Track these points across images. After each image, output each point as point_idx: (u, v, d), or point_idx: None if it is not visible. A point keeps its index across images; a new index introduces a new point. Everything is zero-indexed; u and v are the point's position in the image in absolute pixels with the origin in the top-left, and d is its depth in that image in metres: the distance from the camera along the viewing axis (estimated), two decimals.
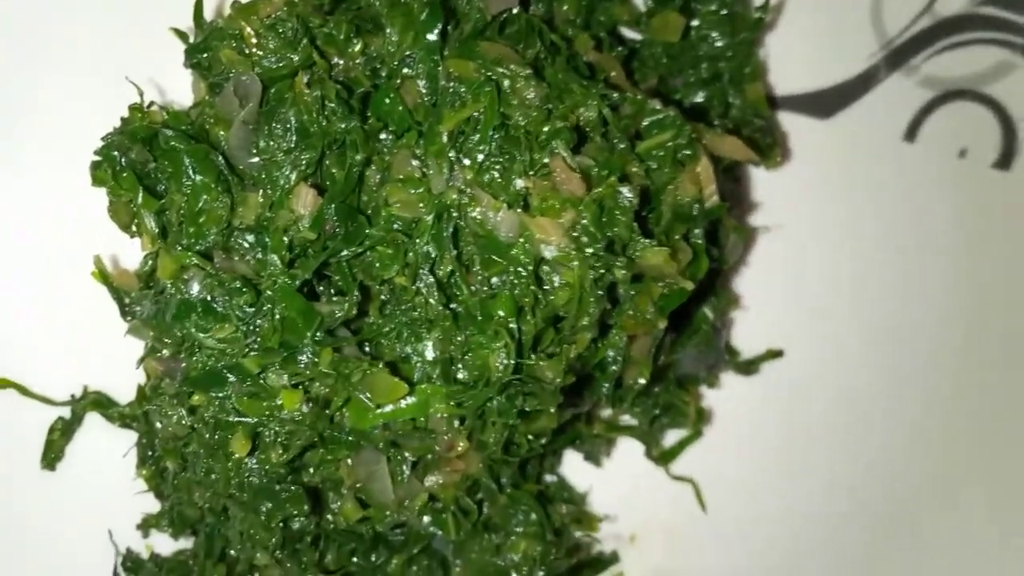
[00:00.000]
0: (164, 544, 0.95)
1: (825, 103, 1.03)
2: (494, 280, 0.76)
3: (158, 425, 0.80)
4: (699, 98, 0.96)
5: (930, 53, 1.03)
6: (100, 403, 0.95)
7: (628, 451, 1.01)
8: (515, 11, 0.84)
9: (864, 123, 1.02)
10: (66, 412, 0.96)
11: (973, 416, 1.04)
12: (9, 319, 0.95)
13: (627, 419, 0.96)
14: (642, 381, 0.82)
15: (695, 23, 0.94)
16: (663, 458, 0.99)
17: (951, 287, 1.03)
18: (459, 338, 0.76)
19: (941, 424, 1.04)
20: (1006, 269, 1.03)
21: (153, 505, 0.94)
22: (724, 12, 0.93)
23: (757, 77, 0.95)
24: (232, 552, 0.89)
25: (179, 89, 0.91)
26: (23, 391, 0.95)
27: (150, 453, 0.90)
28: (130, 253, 0.89)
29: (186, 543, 0.95)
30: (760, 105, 0.94)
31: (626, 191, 0.73)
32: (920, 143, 1.03)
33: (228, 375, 0.75)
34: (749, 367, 1.00)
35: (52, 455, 0.96)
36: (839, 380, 1.03)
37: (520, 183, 0.75)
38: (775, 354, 1.01)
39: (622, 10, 0.93)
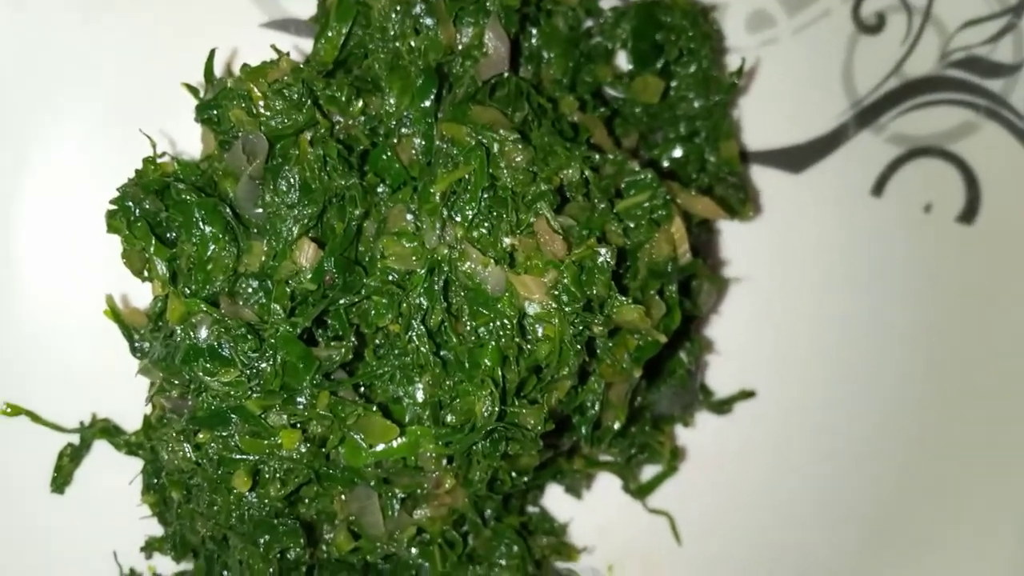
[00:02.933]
0: (166, 565, 1.01)
1: (797, 158, 1.09)
2: (481, 330, 0.81)
3: (164, 458, 0.85)
4: (677, 153, 1.02)
5: (898, 112, 1.09)
6: (107, 431, 1.00)
7: (607, 484, 1.06)
8: (505, 75, 0.91)
9: (834, 177, 1.08)
10: (75, 439, 1.01)
11: (935, 455, 1.10)
12: (25, 351, 1.01)
13: (605, 455, 1.01)
14: (617, 425, 0.88)
15: (674, 84, 1.00)
16: (640, 492, 1.05)
17: (914, 333, 1.09)
18: (448, 383, 0.81)
19: (904, 460, 1.10)
20: (967, 318, 1.09)
21: (156, 528, 0.99)
22: (701, 75, 0.99)
23: (731, 136, 1.01)
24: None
25: (189, 137, 0.97)
26: (35, 418, 1.00)
27: (155, 481, 0.95)
28: (140, 292, 0.95)
29: (186, 565, 1.00)
30: (733, 163, 1.00)
31: (604, 252, 0.79)
32: (887, 197, 1.09)
33: (232, 415, 0.80)
34: (722, 407, 1.06)
35: (61, 479, 1.01)
36: (808, 419, 1.09)
37: (507, 241, 0.81)
38: (747, 395, 1.07)
39: (606, 71, 0.99)
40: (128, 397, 0.97)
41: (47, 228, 1.00)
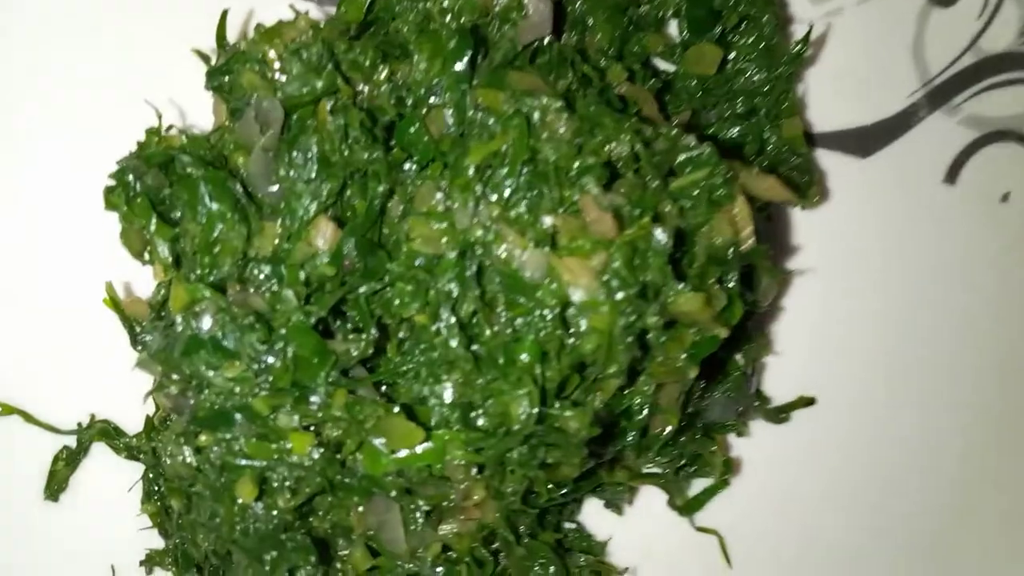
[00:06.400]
0: None
1: (863, 141, 0.99)
2: (518, 321, 0.72)
3: (165, 462, 0.77)
4: (733, 133, 0.92)
5: (973, 92, 1.00)
6: (107, 433, 0.92)
7: (650, 499, 0.96)
8: (547, 40, 0.82)
9: (903, 163, 0.99)
10: (71, 441, 0.93)
11: (1007, 469, 1.00)
12: (16, 343, 0.92)
13: (650, 466, 0.92)
14: (669, 430, 0.78)
15: (731, 56, 0.91)
16: (687, 508, 0.94)
17: (989, 331, 1.00)
18: (479, 381, 0.72)
19: (976, 475, 1.01)
20: None
21: (158, 539, 0.91)
22: (762, 45, 0.90)
23: (794, 112, 0.91)
24: None
25: (199, 110, 0.89)
26: (28, 418, 0.92)
27: (155, 488, 0.87)
28: (143, 280, 0.87)
29: None
30: (797, 142, 0.91)
31: (660, 233, 0.69)
32: (961, 185, 1.00)
33: (237, 415, 0.71)
34: (779, 414, 0.96)
35: (56, 485, 0.93)
36: (872, 430, 0.99)
37: (548, 220, 0.72)
38: (807, 401, 0.97)
39: (656, 40, 0.90)
40: (130, 396, 0.89)
41: (44, 209, 0.91)
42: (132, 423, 0.93)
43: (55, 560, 0.94)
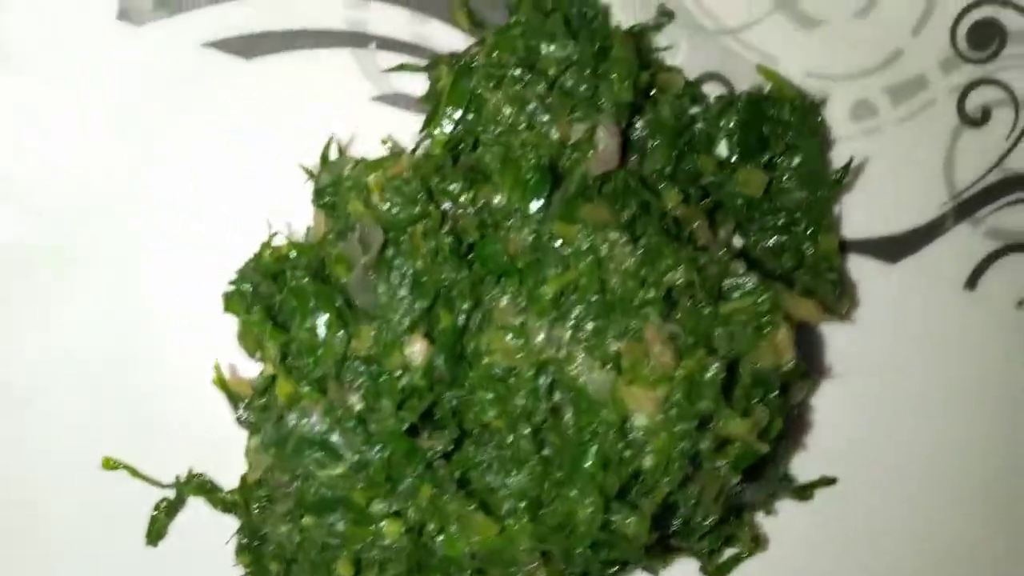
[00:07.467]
0: None
1: (893, 248, 1.08)
2: (583, 431, 0.83)
3: (267, 530, 0.88)
4: (771, 242, 1.01)
5: (997, 206, 1.08)
6: (203, 487, 1.02)
7: (683, 563, 1.07)
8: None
9: (928, 270, 1.08)
10: (171, 493, 1.04)
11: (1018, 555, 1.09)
12: (126, 410, 1.04)
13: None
14: (710, 520, 0.89)
15: (775, 174, 1.00)
16: (717, 572, 1.05)
17: (1004, 432, 1.09)
18: (546, 484, 0.83)
19: (976, 552, 1.10)
20: None
21: None
22: (805, 170, 0.99)
23: (831, 229, 1.00)
24: None
25: (298, 208, 0.99)
26: (133, 472, 1.03)
27: (250, 543, 0.98)
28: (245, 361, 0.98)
29: None
30: (832, 257, 0.99)
31: (715, 366, 0.80)
32: (980, 291, 1.08)
33: (337, 504, 0.82)
34: (803, 493, 1.07)
35: (156, 532, 1.04)
36: (891, 511, 1.09)
37: (614, 346, 0.82)
38: (828, 481, 1.07)
39: (708, 162, 0.99)
40: (225, 452, 1.00)
41: (160, 291, 1.02)
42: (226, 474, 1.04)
43: None
